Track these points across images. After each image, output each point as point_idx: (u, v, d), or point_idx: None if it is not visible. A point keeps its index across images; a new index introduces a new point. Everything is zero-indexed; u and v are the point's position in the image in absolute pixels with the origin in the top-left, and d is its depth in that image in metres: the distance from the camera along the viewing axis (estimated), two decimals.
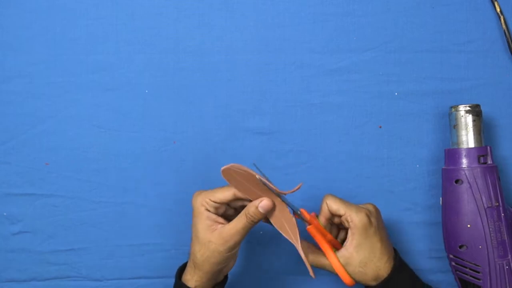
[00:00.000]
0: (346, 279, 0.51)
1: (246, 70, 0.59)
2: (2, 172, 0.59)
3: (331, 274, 0.52)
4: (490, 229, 0.50)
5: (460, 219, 0.52)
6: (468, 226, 0.51)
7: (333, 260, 0.51)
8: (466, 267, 0.52)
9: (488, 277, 0.50)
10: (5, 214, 0.59)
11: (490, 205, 0.51)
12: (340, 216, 0.52)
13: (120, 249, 0.59)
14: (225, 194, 0.50)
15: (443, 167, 0.55)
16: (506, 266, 0.50)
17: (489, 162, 0.53)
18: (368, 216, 0.50)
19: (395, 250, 0.53)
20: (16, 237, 0.59)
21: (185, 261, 0.53)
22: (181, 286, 0.50)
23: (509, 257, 0.50)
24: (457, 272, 0.53)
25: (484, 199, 0.51)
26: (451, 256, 0.53)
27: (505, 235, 0.51)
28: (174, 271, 0.59)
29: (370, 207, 0.52)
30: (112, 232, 0.59)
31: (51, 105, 0.59)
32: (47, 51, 0.58)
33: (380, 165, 0.59)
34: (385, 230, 0.53)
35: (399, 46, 0.59)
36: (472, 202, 0.51)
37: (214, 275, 0.51)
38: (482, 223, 0.50)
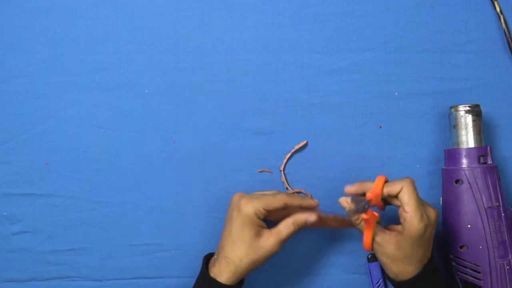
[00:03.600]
0: (368, 247, 0.50)
1: (246, 70, 0.59)
2: (2, 172, 0.59)
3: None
4: (491, 229, 0.50)
5: (460, 219, 0.51)
6: (469, 226, 0.51)
7: (367, 234, 0.50)
8: (466, 267, 0.51)
9: (489, 277, 0.50)
10: (5, 214, 0.59)
11: (490, 205, 0.50)
12: (402, 207, 0.49)
13: (120, 249, 0.59)
14: (279, 203, 0.52)
15: (443, 167, 0.55)
16: (507, 266, 0.50)
17: (489, 162, 0.52)
18: (426, 228, 0.48)
19: (432, 255, 0.52)
20: (16, 237, 0.59)
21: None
22: (211, 280, 0.51)
23: (510, 257, 0.50)
24: (458, 272, 0.53)
25: (484, 199, 0.51)
26: (451, 256, 0.53)
27: (506, 235, 0.50)
28: (174, 271, 0.59)
29: (433, 216, 0.49)
30: (112, 232, 0.59)
31: (51, 105, 0.59)
32: (47, 51, 0.58)
33: (380, 165, 0.59)
34: (433, 238, 0.51)
35: (399, 46, 0.59)
36: (472, 202, 0.51)
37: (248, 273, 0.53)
38: (483, 223, 0.50)
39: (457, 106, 0.55)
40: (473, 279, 0.51)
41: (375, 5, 0.59)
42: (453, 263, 0.53)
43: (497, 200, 0.51)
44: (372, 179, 0.58)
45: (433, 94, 0.59)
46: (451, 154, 0.54)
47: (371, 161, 0.59)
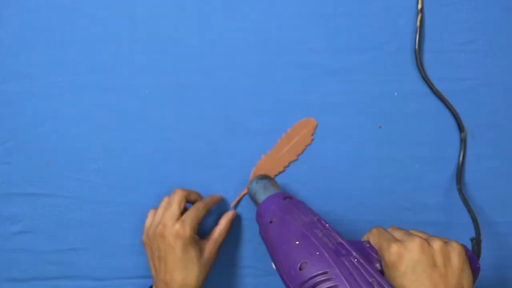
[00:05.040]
0: None
1: (246, 70, 0.59)
2: (2, 172, 0.59)
3: None
4: (320, 235, 0.45)
5: (287, 245, 0.45)
6: (297, 242, 0.44)
7: None
8: (318, 284, 0.41)
9: (343, 278, 0.41)
10: (5, 214, 0.59)
11: (308, 220, 0.47)
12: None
13: (120, 249, 0.59)
14: (204, 212, 0.54)
15: (256, 216, 0.52)
16: (355, 259, 0.43)
17: (294, 198, 0.51)
18: (399, 255, 0.42)
19: None
20: (17, 237, 0.59)
21: None
22: None
23: (355, 254, 0.43)
24: None
25: (301, 218, 0.47)
26: None
27: (340, 239, 0.45)
28: None
29: (414, 245, 0.42)
30: (112, 232, 0.59)
31: (51, 105, 0.59)
32: (47, 51, 0.59)
33: (380, 165, 0.59)
34: (438, 274, 0.41)
35: (399, 46, 0.59)
36: (291, 224, 0.46)
37: None
38: (309, 233, 0.45)
39: (250, 181, 0.55)
40: None
41: (375, 5, 0.59)
42: None
43: (315, 215, 0.47)
44: (372, 179, 0.59)
45: (433, 94, 0.59)
46: (263, 205, 0.51)
47: (371, 161, 0.59)
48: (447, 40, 0.59)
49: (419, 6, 0.58)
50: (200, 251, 0.52)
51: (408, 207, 0.59)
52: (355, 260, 0.42)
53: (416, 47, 0.58)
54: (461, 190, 0.58)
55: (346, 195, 0.59)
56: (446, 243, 0.42)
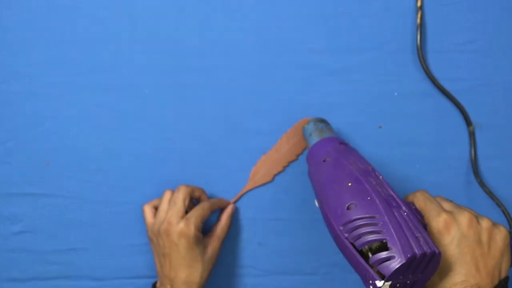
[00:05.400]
0: None
1: (246, 70, 0.59)
2: (2, 172, 0.59)
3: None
4: (373, 183, 0.44)
5: (339, 185, 0.44)
6: (349, 184, 0.44)
7: None
8: (362, 227, 0.40)
9: (390, 227, 0.40)
10: (5, 214, 0.59)
11: (363, 167, 0.46)
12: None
13: (120, 249, 0.59)
14: (209, 211, 0.55)
15: (307, 156, 0.52)
16: (405, 213, 0.42)
17: (350, 145, 0.51)
18: (448, 225, 0.42)
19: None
20: (17, 236, 0.59)
21: None
22: None
23: (404, 208, 0.43)
24: (356, 241, 0.40)
25: (356, 164, 0.47)
26: (341, 227, 0.41)
27: (391, 191, 0.44)
28: None
29: (463, 219, 0.42)
30: (113, 232, 0.59)
31: (51, 105, 0.59)
32: (47, 51, 0.58)
33: (380, 165, 0.59)
34: (481, 252, 0.42)
35: (399, 46, 0.59)
36: (345, 168, 0.46)
37: None
38: (363, 179, 0.44)
39: (308, 121, 0.55)
40: (373, 236, 0.40)
41: (375, 5, 0.59)
42: (346, 235, 0.41)
43: (369, 164, 0.47)
44: None
45: (433, 94, 0.59)
46: (318, 145, 0.52)
47: (371, 161, 0.59)
48: (447, 40, 0.59)
49: (419, 4, 0.58)
50: (204, 247, 0.53)
51: None
52: (405, 213, 0.42)
53: (418, 44, 0.58)
54: (482, 183, 0.58)
55: None
56: (494, 224, 0.43)
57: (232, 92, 0.59)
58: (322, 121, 0.55)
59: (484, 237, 0.42)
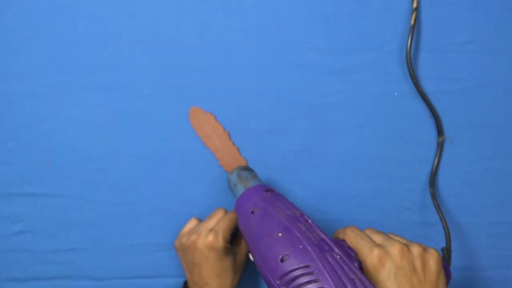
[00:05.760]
0: None
1: (246, 70, 0.59)
2: (2, 172, 0.59)
3: None
4: (303, 229, 0.44)
5: (269, 237, 0.44)
6: (280, 234, 0.44)
7: None
8: (298, 278, 0.40)
9: (325, 273, 0.40)
10: (5, 214, 0.59)
11: (292, 214, 0.46)
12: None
13: (120, 249, 0.59)
14: (236, 221, 0.53)
15: (235, 207, 0.51)
16: (338, 255, 0.42)
17: (275, 192, 0.51)
18: (381, 260, 0.42)
19: None
20: (17, 236, 0.59)
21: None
22: None
23: (337, 251, 0.42)
24: None
25: (284, 212, 0.46)
26: (278, 281, 0.41)
27: (322, 234, 0.44)
28: (174, 271, 0.59)
29: (395, 251, 0.43)
30: (112, 232, 0.59)
31: (51, 105, 0.59)
32: (47, 51, 0.58)
33: (380, 165, 0.59)
34: (417, 279, 0.42)
35: (399, 46, 0.59)
36: (274, 216, 0.45)
37: None
38: (292, 227, 0.44)
39: (232, 171, 0.55)
40: (310, 286, 0.40)
41: (375, 5, 0.59)
42: None
43: (297, 209, 0.47)
44: (372, 179, 0.59)
45: (433, 94, 0.59)
46: (244, 196, 0.51)
47: (371, 161, 0.59)
48: (447, 40, 0.59)
49: (414, 5, 0.58)
50: (233, 256, 0.53)
51: (408, 207, 0.59)
52: (338, 256, 0.42)
53: (408, 45, 0.57)
54: (434, 195, 0.58)
55: (346, 195, 0.59)
56: (424, 249, 0.44)
57: (232, 92, 0.59)
58: (246, 169, 0.54)
59: (418, 264, 0.42)
